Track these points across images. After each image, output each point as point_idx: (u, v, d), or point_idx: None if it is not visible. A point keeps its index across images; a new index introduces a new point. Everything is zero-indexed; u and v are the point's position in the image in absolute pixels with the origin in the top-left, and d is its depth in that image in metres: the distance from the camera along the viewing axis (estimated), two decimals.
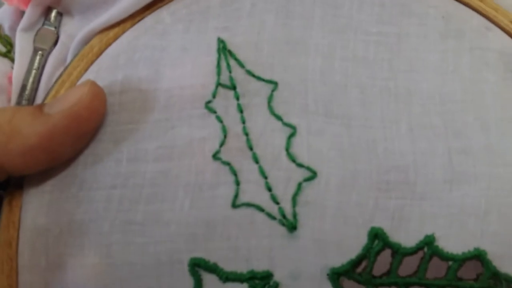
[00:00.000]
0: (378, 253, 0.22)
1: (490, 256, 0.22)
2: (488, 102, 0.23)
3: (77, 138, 0.23)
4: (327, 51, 0.24)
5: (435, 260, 0.22)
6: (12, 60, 0.27)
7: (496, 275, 0.22)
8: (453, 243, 0.22)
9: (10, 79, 0.27)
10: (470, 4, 0.24)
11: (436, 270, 0.22)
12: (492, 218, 0.22)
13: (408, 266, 0.22)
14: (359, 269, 0.22)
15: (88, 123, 0.23)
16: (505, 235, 0.22)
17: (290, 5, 0.25)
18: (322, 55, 0.24)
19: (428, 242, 0.22)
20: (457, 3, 0.25)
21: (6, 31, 0.28)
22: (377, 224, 0.22)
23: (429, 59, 0.24)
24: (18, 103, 0.26)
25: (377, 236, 0.22)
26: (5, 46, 0.27)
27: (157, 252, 0.22)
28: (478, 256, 0.22)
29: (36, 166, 0.23)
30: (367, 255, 0.22)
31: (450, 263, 0.22)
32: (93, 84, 0.23)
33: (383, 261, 0.22)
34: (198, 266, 0.22)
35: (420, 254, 0.22)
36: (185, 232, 0.23)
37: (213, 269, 0.22)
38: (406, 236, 0.22)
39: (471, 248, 0.22)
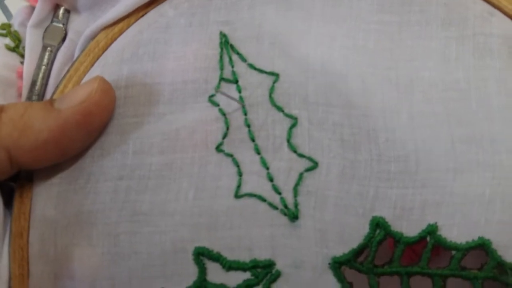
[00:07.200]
0: (380, 242, 0.22)
1: (494, 245, 0.22)
2: (492, 89, 0.23)
3: (87, 133, 0.24)
4: (327, 41, 0.24)
5: (438, 249, 0.22)
6: (20, 54, 0.28)
7: (501, 265, 0.22)
8: (456, 232, 0.22)
9: (18, 74, 0.28)
10: None
11: (439, 259, 0.22)
12: (496, 207, 0.22)
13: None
14: (361, 258, 0.22)
15: (98, 118, 0.24)
16: (510, 224, 0.22)
17: None
18: (322, 45, 0.24)
19: (431, 231, 0.22)
20: None
21: (16, 26, 0.29)
22: (378, 213, 0.22)
23: (431, 47, 0.24)
24: (29, 98, 0.27)
25: (378, 226, 0.22)
26: (13, 41, 0.28)
27: (163, 241, 0.23)
28: (483, 245, 0.22)
29: (47, 160, 0.23)
30: (369, 244, 0.22)
31: (454, 252, 0.22)
32: (102, 80, 0.24)
33: (385, 250, 0.22)
34: (202, 255, 0.23)
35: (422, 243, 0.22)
36: (189, 222, 0.23)
37: (216, 258, 0.23)
38: (409, 225, 0.22)
39: (475, 237, 0.22)
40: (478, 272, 0.22)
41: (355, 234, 0.22)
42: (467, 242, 0.22)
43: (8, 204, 0.25)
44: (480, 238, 0.22)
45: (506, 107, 0.23)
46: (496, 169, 0.22)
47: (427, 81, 0.23)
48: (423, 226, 0.22)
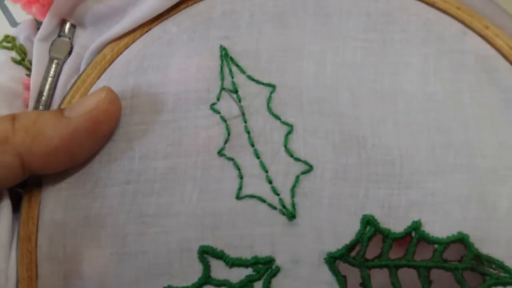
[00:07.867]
0: (370, 238, 0.24)
1: (472, 239, 0.24)
2: (466, 100, 0.26)
3: (95, 140, 0.25)
4: (319, 57, 0.26)
5: (422, 243, 0.24)
6: (26, 67, 0.30)
7: (477, 256, 0.24)
8: (438, 228, 0.24)
9: (25, 85, 0.29)
10: (448, 12, 0.27)
11: (423, 252, 0.24)
12: (473, 205, 0.25)
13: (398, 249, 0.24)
14: (353, 253, 0.24)
15: (106, 126, 0.25)
16: (484, 220, 0.24)
17: (285, 16, 0.27)
18: (314, 60, 0.26)
19: (415, 228, 0.24)
20: (436, 11, 0.27)
21: (22, 41, 0.30)
22: (368, 212, 0.25)
23: (412, 62, 0.26)
24: (36, 108, 0.28)
25: (369, 223, 0.24)
26: (19, 54, 0.29)
27: (169, 241, 0.24)
28: (461, 240, 0.24)
29: (57, 166, 0.25)
30: (360, 240, 0.24)
31: (436, 246, 0.24)
32: (109, 90, 0.25)
33: (375, 245, 0.24)
34: (206, 253, 0.24)
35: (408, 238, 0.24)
36: (194, 222, 0.25)
37: (220, 255, 0.24)
38: (395, 222, 0.24)
39: (455, 233, 0.24)
40: (458, 264, 0.24)
41: (347, 231, 0.24)
42: (447, 237, 0.24)
43: (15, 209, 0.26)
44: (459, 233, 0.24)
45: (479, 116, 0.25)
46: (472, 171, 0.25)
47: (409, 93, 0.26)
48: (408, 223, 0.24)
